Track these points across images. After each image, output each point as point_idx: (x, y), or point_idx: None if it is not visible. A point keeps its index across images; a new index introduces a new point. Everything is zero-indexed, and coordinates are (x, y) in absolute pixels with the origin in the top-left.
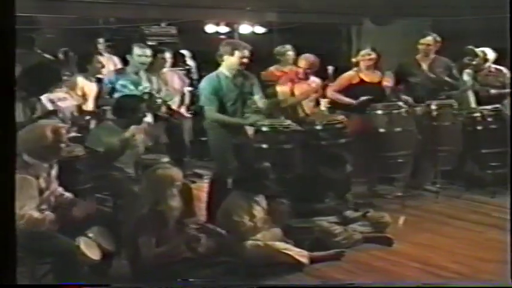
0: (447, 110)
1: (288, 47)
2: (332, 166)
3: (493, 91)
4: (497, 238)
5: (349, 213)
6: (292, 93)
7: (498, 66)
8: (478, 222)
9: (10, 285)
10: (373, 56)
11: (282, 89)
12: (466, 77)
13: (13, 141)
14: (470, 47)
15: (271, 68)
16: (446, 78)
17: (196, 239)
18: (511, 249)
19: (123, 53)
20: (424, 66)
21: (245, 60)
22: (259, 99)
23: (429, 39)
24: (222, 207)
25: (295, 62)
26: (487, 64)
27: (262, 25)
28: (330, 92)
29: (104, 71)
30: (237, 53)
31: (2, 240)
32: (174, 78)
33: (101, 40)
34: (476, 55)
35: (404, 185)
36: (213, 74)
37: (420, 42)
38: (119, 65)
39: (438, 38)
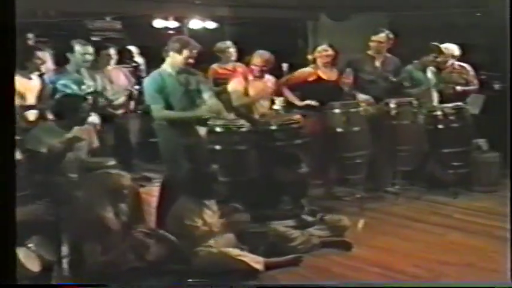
0: (407, 109)
1: (229, 43)
2: (287, 167)
3: (458, 88)
4: (459, 241)
5: (306, 217)
6: (246, 93)
7: (462, 63)
8: (439, 225)
9: (10, 285)
10: (330, 52)
11: (234, 87)
12: (430, 74)
13: (13, 141)
14: (435, 43)
15: (214, 66)
16: (392, 79)
17: (144, 246)
18: (511, 249)
19: (63, 50)
20: (377, 63)
21: (191, 60)
22: (208, 98)
23: (381, 36)
24: (172, 212)
25: (240, 59)
26: (451, 61)
27: (213, 20)
28: (284, 89)
29: (43, 67)
30: (185, 52)
31: (2, 240)
32: (120, 76)
33: (30, 35)
34: (441, 52)
35: (363, 187)
36: (156, 71)
37: (372, 39)
38: (50, 63)
39: (391, 35)
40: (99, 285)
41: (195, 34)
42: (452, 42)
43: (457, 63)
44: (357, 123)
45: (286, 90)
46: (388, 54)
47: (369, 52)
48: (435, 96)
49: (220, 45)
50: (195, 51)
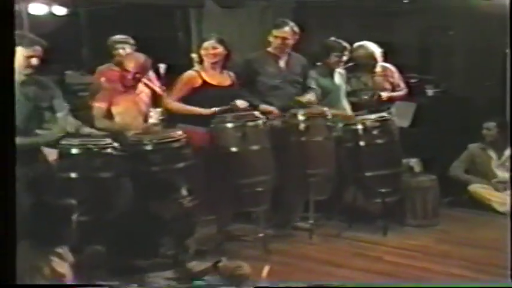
0: (319, 122)
1: (123, 36)
2: (167, 200)
3: (384, 95)
4: None
5: (194, 265)
6: (109, 111)
7: (385, 64)
8: (365, 270)
9: (10, 285)
10: (220, 50)
11: (96, 104)
12: (338, 79)
13: (13, 140)
14: (333, 39)
15: (103, 67)
16: (299, 80)
17: None
18: (511, 249)
19: None
20: (282, 63)
21: (35, 61)
22: (62, 118)
23: (286, 30)
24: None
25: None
26: (371, 62)
27: (63, 4)
28: (170, 101)
29: None
30: (20, 51)
31: (1, 240)
32: None
33: None
34: (344, 48)
35: (267, 223)
36: None
37: (274, 34)
38: None
39: (296, 29)
40: (99, 285)
41: (37, 22)
42: (373, 40)
43: (379, 64)
44: (256, 141)
45: (178, 104)
46: (293, 53)
47: (270, 50)
48: (347, 106)
49: (117, 38)
50: (37, 49)
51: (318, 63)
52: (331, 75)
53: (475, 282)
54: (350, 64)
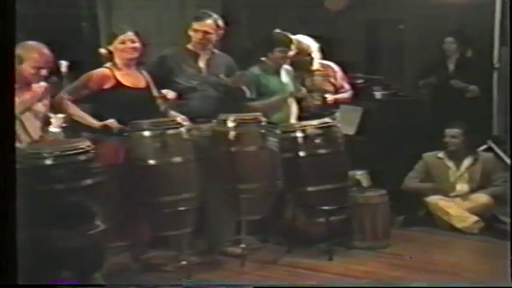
0: (252, 129)
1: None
2: (71, 226)
3: (329, 97)
4: None
5: None
6: None
7: (326, 62)
8: None
9: (10, 285)
10: (137, 44)
11: None
12: (285, 77)
13: (13, 140)
14: (279, 31)
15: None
16: (220, 81)
17: None
18: (511, 249)
19: None
20: (202, 62)
21: None
22: None
23: (208, 23)
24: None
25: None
26: (306, 58)
27: None
28: (64, 101)
29: None
30: None
31: (1, 239)
32: None
33: None
34: (290, 42)
35: (191, 248)
36: None
37: (194, 28)
38: None
39: (220, 22)
40: (99, 285)
41: None
42: (312, 34)
43: (318, 61)
44: (178, 152)
45: (70, 106)
46: (218, 51)
47: (190, 46)
48: (294, 110)
49: None
50: None
51: (262, 59)
52: (277, 72)
53: (475, 283)
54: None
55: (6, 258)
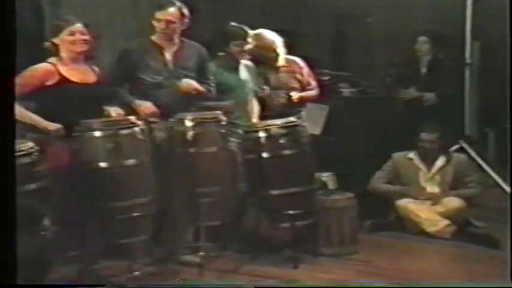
0: (211, 129)
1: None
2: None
3: (294, 95)
4: None
5: None
6: None
7: (292, 57)
8: None
9: (10, 285)
10: (86, 36)
11: None
12: (245, 74)
13: (12, 140)
14: (233, 24)
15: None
16: (190, 74)
17: None
18: (511, 249)
19: None
20: (168, 55)
21: None
22: None
23: (171, 11)
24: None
25: None
26: (271, 54)
27: None
28: None
29: None
30: None
31: (1, 239)
32: None
33: None
34: (246, 36)
35: (147, 257)
36: None
37: (157, 17)
38: None
39: (185, 10)
40: (98, 285)
41: None
42: (274, 28)
43: (283, 56)
44: (132, 154)
45: (17, 109)
46: (188, 40)
47: (154, 38)
48: (255, 108)
49: None
50: None
51: (220, 53)
52: (236, 68)
53: (475, 283)
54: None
55: (6, 258)
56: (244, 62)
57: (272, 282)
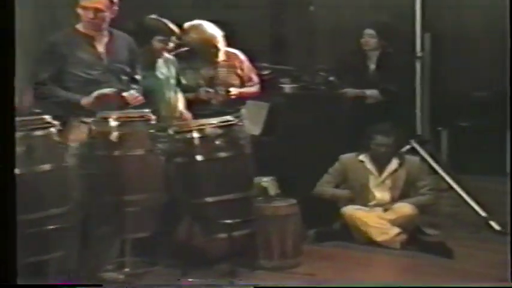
0: (138, 128)
1: None
2: None
3: (233, 91)
4: None
5: None
6: None
7: (232, 51)
8: None
9: (10, 285)
10: None
11: None
12: (163, 69)
13: (13, 139)
14: (154, 16)
15: None
16: (125, 68)
17: None
18: (511, 249)
19: None
20: (100, 47)
21: None
22: None
23: None
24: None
25: None
26: (211, 49)
27: None
28: None
29: None
30: None
31: (2, 239)
32: None
33: None
34: (169, 31)
35: (65, 273)
36: None
37: (82, 4)
38: None
39: None
40: (95, 285)
41: None
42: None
43: (222, 51)
44: (47, 158)
45: None
46: (117, 31)
47: (80, 27)
48: (181, 106)
49: None
50: None
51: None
52: (153, 66)
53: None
54: (182, 50)
55: (6, 258)
56: (167, 56)
57: (271, 283)
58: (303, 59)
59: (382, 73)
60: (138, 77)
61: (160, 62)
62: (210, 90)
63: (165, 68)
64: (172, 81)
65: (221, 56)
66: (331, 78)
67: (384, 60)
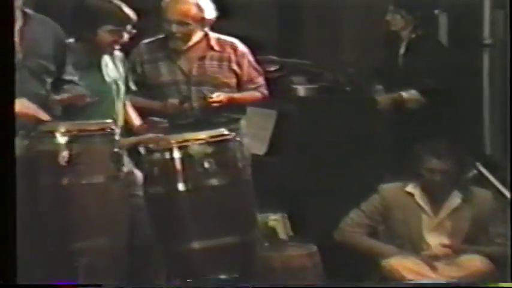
0: (97, 146)
1: None
2: None
3: (216, 96)
4: None
5: None
6: None
7: (227, 38)
8: None
9: (10, 285)
10: None
11: None
12: (111, 69)
13: (13, 140)
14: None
15: None
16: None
17: None
18: (511, 249)
19: None
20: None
21: None
22: None
23: None
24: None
25: None
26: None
27: None
28: None
29: None
30: None
31: (2, 239)
32: None
33: None
34: (126, 18)
35: None
36: None
37: None
38: None
39: None
40: (95, 285)
41: None
42: None
43: (213, 36)
44: None
45: None
46: (35, 13)
47: None
48: (120, 118)
49: None
50: None
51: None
52: (97, 65)
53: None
54: (156, 38)
55: (6, 258)
56: (117, 53)
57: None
58: (323, 49)
59: (412, 61)
60: (69, 77)
61: (106, 59)
62: (182, 100)
63: (113, 68)
64: (122, 85)
65: (216, 46)
66: (379, 87)
67: (415, 44)
